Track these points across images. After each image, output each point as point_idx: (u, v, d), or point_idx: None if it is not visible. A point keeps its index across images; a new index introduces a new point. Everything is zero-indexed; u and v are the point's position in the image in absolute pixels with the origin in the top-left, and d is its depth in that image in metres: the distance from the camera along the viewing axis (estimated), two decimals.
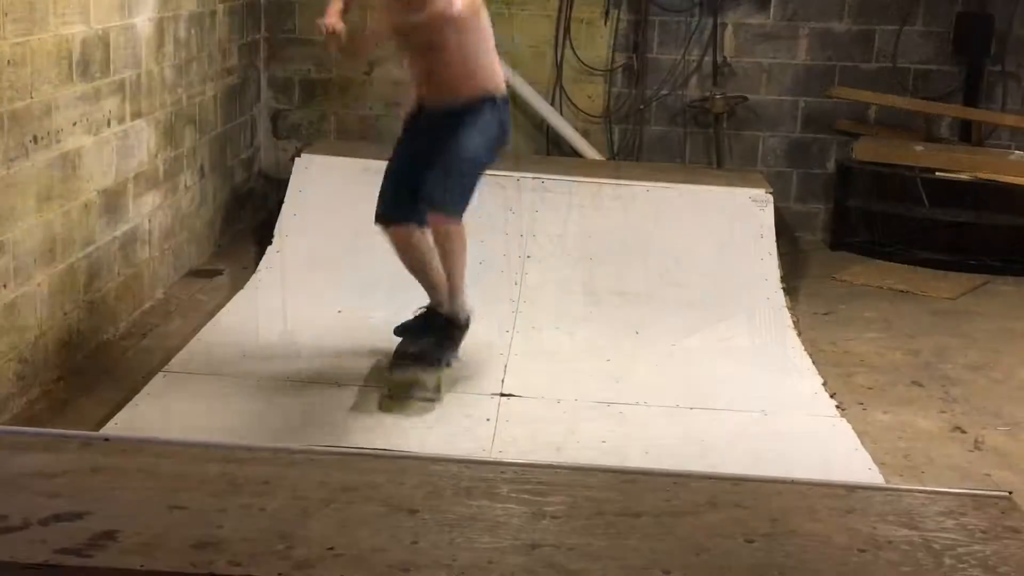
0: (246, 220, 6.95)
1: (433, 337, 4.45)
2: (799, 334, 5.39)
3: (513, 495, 2.48)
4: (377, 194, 4.48)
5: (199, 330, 5.07)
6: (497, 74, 4.39)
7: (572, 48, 7.20)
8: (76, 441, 2.77)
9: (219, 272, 6.05)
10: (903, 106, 7.10)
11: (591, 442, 4.17)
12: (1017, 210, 6.80)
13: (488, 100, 4.33)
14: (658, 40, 7.20)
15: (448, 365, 4.45)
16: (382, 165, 6.23)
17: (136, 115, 5.19)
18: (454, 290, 4.46)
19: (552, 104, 7.19)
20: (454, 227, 4.37)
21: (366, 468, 2.62)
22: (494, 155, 4.47)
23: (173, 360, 4.69)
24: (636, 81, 7.21)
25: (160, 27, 5.43)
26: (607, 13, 7.14)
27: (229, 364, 4.68)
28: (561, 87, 7.23)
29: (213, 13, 6.23)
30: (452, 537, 2.29)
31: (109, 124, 4.90)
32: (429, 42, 4.23)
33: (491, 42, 4.38)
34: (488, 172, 4.55)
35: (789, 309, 5.65)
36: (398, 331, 4.53)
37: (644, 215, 6.08)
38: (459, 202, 4.36)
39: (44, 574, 2.10)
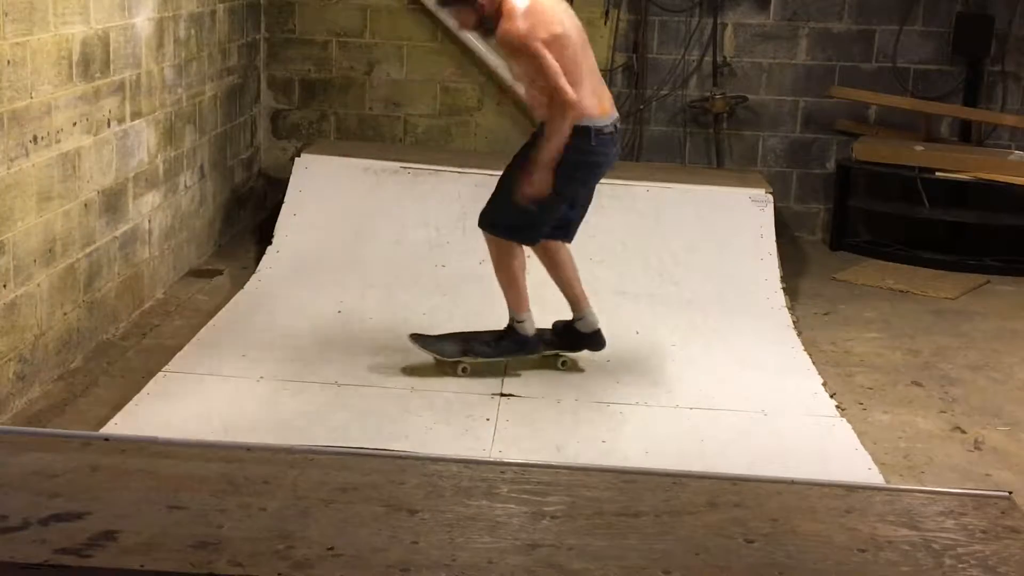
0: (246, 220, 6.95)
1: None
2: (799, 334, 5.40)
3: (513, 495, 2.48)
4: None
5: (199, 330, 5.08)
6: (585, 104, 4.36)
7: None
8: (76, 441, 2.76)
9: (219, 272, 6.05)
10: (903, 106, 7.10)
11: (591, 442, 4.18)
12: (1017, 210, 6.80)
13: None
14: (658, 40, 7.20)
15: (473, 356, 4.65)
16: (382, 165, 6.28)
17: (136, 115, 5.19)
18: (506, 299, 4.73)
19: None
20: (494, 241, 4.60)
21: (366, 468, 2.62)
22: (569, 188, 4.53)
23: (173, 360, 4.69)
24: (636, 81, 7.21)
25: (160, 27, 5.43)
26: (607, 13, 7.14)
27: (229, 364, 4.69)
28: None
29: (213, 13, 6.23)
30: (452, 537, 2.29)
31: (109, 124, 4.90)
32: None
33: (579, 71, 4.39)
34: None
35: (789, 309, 5.66)
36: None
37: (644, 215, 6.09)
38: (502, 228, 4.57)
39: (44, 574, 2.10)
